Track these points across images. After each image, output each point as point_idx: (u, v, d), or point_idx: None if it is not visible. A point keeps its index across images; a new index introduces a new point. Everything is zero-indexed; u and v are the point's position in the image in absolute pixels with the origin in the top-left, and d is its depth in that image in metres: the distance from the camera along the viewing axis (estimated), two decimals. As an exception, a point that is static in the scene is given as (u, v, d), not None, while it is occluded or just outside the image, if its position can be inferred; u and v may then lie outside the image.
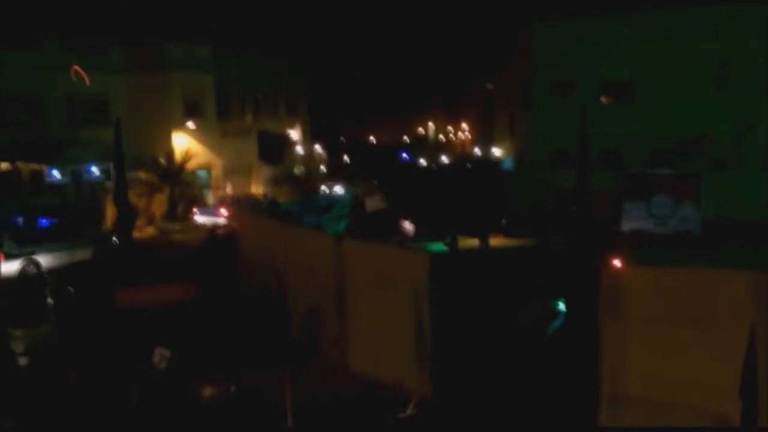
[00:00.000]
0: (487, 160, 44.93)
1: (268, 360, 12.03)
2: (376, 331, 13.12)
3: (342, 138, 59.69)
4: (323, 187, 37.99)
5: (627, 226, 24.46)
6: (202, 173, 38.48)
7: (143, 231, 30.80)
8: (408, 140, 65.65)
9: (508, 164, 40.73)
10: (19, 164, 32.98)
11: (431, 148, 58.16)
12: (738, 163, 31.29)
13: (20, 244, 23.02)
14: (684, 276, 10.20)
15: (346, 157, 52.74)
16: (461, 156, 53.65)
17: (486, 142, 49.81)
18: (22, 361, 13.84)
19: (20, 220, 25.24)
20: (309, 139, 51.33)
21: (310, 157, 48.13)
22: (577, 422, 9.97)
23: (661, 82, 32.93)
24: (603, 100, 34.91)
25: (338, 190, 35.54)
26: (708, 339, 9.44)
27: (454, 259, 15.47)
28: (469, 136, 61.95)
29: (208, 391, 12.13)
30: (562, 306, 12.66)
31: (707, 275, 10.13)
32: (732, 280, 9.53)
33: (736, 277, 9.54)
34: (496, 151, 45.31)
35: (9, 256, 22.35)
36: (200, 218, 33.13)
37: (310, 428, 10.86)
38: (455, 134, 66.53)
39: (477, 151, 51.46)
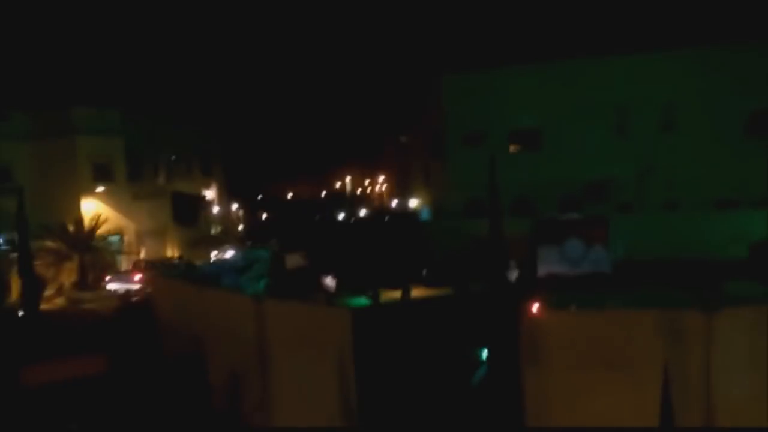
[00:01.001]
0: (404, 212, 45.58)
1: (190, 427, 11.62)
2: (301, 392, 12.89)
3: (260, 196, 59.36)
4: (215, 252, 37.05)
5: (542, 270, 25.09)
6: (113, 238, 37.37)
7: (52, 302, 29.47)
8: (326, 195, 65.93)
9: (426, 215, 41.37)
10: None
11: (349, 202, 58.53)
12: (641, 205, 32.84)
13: None
14: (597, 318, 10.54)
15: (264, 215, 52.44)
16: (379, 209, 54.25)
17: (403, 194, 50.60)
18: None
19: None
20: (225, 198, 50.78)
21: (226, 217, 47.58)
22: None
23: (566, 130, 34.43)
24: (512, 148, 36.14)
25: (228, 253, 34.34)
26: (624, 378, 9.72)
27: (376, 313, 15.43)
28: (387, 189, 62.82)
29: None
30: (484, 354, 12.76)
31: (619, 316, 10.48)
32: (642, 320, 9.90)
33: (645, 316, 9.91)
34: (413, 203, 46.04)
35: None
36: (113, 285, 31.98)
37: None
38: (372, 187, 67.30)
39: (394, 203, 52.16)
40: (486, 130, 35.42)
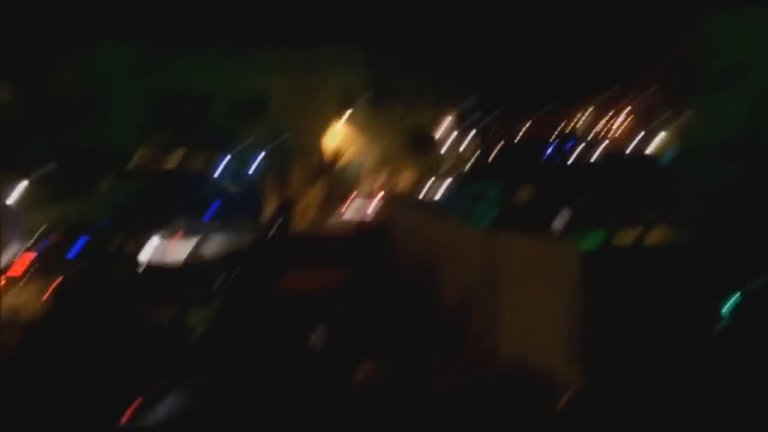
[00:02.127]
0: (646, 153, 42.97)
1: (419, 346, 12.18)
2: (530, 322, 12.91)
3: (491, 130, 59.02)
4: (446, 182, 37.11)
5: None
6: (355, 165, 39.66)
7: (300, 221, 32.12)
8: (562, 132, 63.79)
9: (670, 156, 38.67)
10: (192, 155, 35.55)
11: (587, 141, 56.28)
12: None
13: (192, 229, 24.84)
14: None
15: (495, 150, 52.20)
16: (618, 148, 51.59)
17: (646, 134, 47.61)
18: (192, 339, 14.82)
19: (192, 208, 27.18)
20: (459, 130, 51.23)
21: (458, 149, 48.17)
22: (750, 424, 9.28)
23: None
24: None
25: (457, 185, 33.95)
26: None
27: (611, 253, 14.89)
28: (627, 128, 59.44)
29: (361, 374, 12.42)
30: (732, 302, 11.85)
31: None
32: None
33: None
34: (656, 143, 43.22)
35: (182, 241, 24.21)
36: (353, 209, 34.11)
37: (459, 415, 10.87)
38: (612, 126, 64.02)
39: (635, 143, 49.31)
40: (744, 67, 31.90)
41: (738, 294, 11.99)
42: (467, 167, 45.10)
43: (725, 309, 12.25)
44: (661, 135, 43.21)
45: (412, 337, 13.65)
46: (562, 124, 65.83)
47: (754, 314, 10.88)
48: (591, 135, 62.31)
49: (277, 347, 13.46)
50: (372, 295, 16.45)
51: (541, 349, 12.48)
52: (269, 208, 30.72)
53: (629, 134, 56.58)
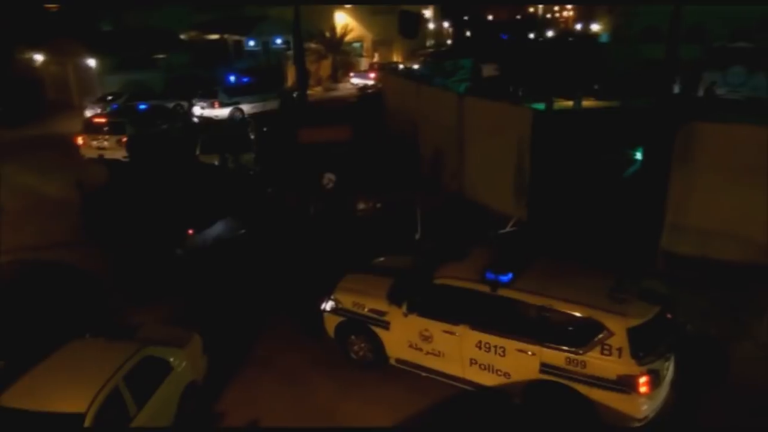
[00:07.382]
0: (585, 35, 41.10)
1: (404, 186, 12.31)
2: (486, 169, 13.00)
3: (466, 16, 55.98)
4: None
5: (702, 90, 21.94)
6: (356, 44, 37.97)
7: (312, 89, 31.30)
8: (520, 18, 60.57)
9: (605, 38, 37.03)
10: (225, 36, 33.85)
11: (539, 24, 53.57)
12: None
13: (229, 95, 24.24)
14: (748, 132, 9.19)
15: (467, 32, 49.82)
16: (564, 31, 49.26)
17: (586, 19, 45.31)
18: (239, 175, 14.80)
19: (229, 78, 26.34)
20: (439, 17, 48.61)
21: (439, 33, 45.94)
22: (643, 244, 9.60)
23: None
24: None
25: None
26: (763, 183, 8.62)
27: (551, 115, 14.65)
28: (572, 14, 56.44)
29: (361, 206, 12.65)
30: (639, 155, 11.86)
31: (761, 130, 9.00)
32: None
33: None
34: (595, 27, 41.24)
35: (222, 104, 23.72)
36: (354, 80, 33.13)
37: (431, 236, 11.16)
38: (560, 12, 60.65)
39: (578, 26, 47.05)
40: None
41: (645, 144, 11.91)
42: (446, 47, 43.20)
43: (637, 155, 12.22)
44: (599, 20, 41.15)
45: (400, 178, 13.70)
46: (522, 11, 62.30)
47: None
48: (543, 19, 59.22)
49: (301, 183, 13.48)
50: (368, 144, 16.34)
51: (495, 190, 12.68)
52: (290, 78, 29.79)
53: (573, 19, 53.83)
